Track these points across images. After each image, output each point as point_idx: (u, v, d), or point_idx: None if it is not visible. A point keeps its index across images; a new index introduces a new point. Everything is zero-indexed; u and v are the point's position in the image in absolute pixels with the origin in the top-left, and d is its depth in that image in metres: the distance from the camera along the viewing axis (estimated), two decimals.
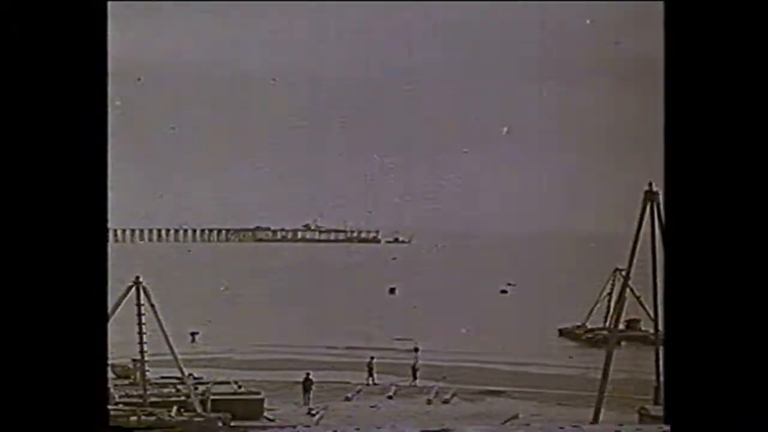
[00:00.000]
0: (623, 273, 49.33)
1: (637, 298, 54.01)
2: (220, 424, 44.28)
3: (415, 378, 57.47)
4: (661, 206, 43.12)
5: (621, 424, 36.92)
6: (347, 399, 52.81)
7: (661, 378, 44.35)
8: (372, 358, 57.73)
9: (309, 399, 51.32)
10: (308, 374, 52.77)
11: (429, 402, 52.50)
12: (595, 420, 43.83)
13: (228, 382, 50.56)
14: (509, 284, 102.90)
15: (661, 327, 44.41)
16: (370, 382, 56.21)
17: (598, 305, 67.14)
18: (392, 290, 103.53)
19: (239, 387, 50.04)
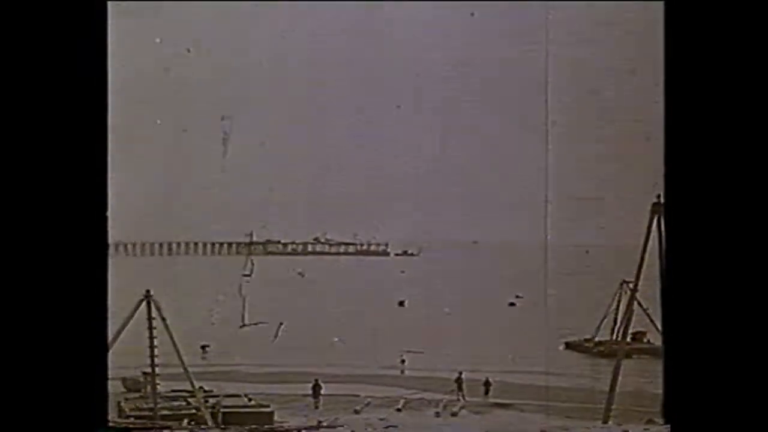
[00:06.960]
0: (630, 286, 49.36)
1: (645, 310, 53.98)
2: None
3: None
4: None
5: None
6: (356, 412, 52.99)
7: None
8: (460, 373, 57.67)
9: (319, 403, 52.19)
10: (317, 380, 54.05)
11: (437, 415, 52.62)
12: None
13: (238, 395, 50.79)
14: (517, 296, 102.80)
15: None
16: (461, 398, 56.25)
17: (606, 318, 66.88)
18: (401, 303, 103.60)
19: (249, 400, 50.27)
